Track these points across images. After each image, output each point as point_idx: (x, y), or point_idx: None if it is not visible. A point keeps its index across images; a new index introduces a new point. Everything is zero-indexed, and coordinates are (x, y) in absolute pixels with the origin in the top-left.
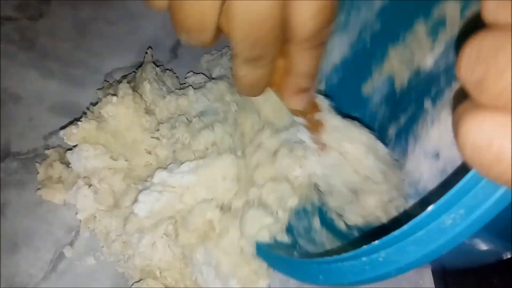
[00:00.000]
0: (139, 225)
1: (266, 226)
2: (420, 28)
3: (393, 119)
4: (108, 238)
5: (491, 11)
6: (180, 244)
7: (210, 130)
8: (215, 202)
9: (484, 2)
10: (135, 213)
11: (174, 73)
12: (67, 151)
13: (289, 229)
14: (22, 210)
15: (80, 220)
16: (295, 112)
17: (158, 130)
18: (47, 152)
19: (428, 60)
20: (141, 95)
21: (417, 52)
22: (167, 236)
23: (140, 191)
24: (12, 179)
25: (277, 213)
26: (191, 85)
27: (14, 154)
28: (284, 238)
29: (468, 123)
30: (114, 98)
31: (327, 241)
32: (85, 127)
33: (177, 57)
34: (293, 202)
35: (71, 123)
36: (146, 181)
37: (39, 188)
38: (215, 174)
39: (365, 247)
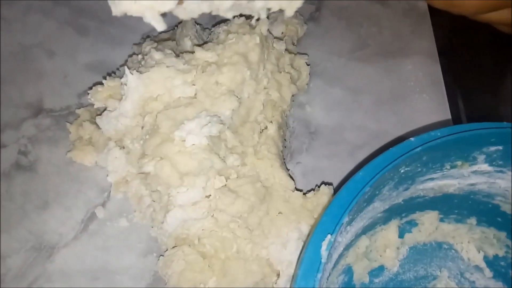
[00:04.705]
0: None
1: None
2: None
3: None
4: (141, 202)
5: None
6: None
7: None
8: None
9: None
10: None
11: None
12: (97, 116)
13: None
14: (54, 167)
15: (111, 183)
16: None
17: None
18: (78, 111)
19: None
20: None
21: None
22: (208, 201)
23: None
24: (44, 135)
25: None
26: None
27: (47, 110)
28: None
29: None
30: (139, 56)
31: None
32: (111, 84)
33: (215, 18)
34: None
35: None
36: None
37: (70, 150)
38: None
39: None
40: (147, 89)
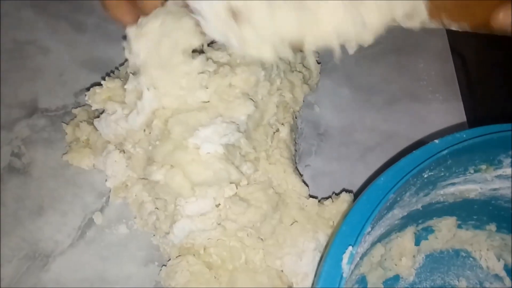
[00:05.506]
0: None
1: None
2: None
3: None
4: (142, 208)
5: None
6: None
7: None
8: None
9: None
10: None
11: None
12: (95, 119)
13: None
14: (49, 171)
15: (110, 188)
16: None
17: None
18: (74, 111)
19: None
20: None
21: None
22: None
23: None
24: (39, 137)
25: None
26: None
27: (42, 110)
28: None
29: None
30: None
31: None
32: (110, 86)
33: None
34: None
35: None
36: None
37: (66, 153)
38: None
39: None
40: (160, 102)
